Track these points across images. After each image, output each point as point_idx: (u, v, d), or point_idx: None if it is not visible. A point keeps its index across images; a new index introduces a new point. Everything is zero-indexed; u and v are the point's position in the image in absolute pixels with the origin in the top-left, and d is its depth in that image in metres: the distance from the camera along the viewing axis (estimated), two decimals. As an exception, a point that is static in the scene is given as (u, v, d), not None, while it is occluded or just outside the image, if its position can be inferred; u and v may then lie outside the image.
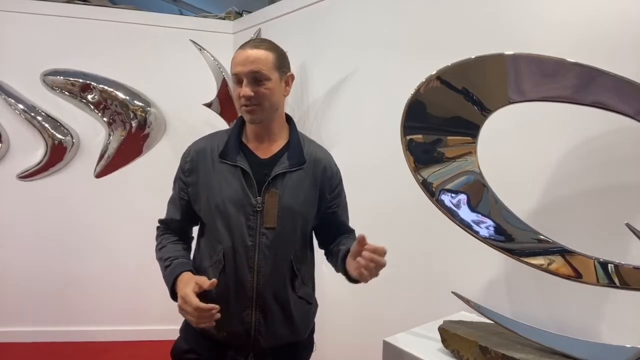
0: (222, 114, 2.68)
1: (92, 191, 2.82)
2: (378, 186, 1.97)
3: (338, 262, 1.17)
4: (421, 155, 1.17)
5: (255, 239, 1.12)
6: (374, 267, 0.98)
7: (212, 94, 2.65)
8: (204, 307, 0.98)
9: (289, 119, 1.24)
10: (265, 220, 1.12)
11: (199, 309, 0.98)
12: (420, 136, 1.17)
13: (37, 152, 2.73)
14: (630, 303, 1.19)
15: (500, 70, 1.05)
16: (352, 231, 1.32)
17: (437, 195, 1.16)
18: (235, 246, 1.12)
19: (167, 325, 2.85)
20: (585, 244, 1.09)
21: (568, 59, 0.97)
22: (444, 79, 1.10)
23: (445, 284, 1.55)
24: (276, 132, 1.19)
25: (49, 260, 2.79)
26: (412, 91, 1.13)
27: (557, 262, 1.07)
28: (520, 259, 1.10)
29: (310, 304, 1.24)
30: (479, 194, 1.15)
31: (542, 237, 1.10)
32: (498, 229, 1.13)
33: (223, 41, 2.90)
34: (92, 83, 2.73)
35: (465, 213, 1.15)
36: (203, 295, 1.13)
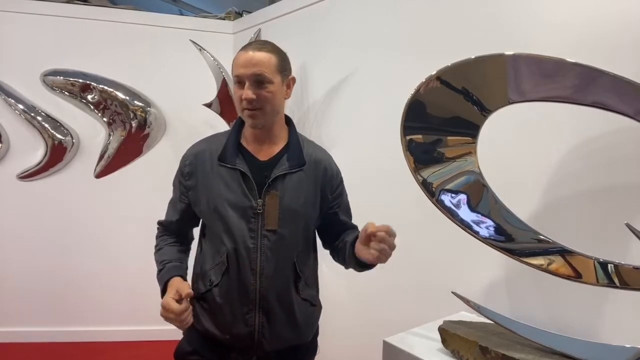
0: (222, 114, 2.69)
1: (92, 191, 2.82)
2: (378, 186, 1.97)
3: (346, 253, 1.17)
4: (421, 155, 1.17)
5: (256, 241, 1.11)
6: (388, 248, 0.99)
7: (212, 94, 2.65)
8: (182, 309, 1.03)
9: (288, 120, 1.23)
10: (267, 222, 1.12)
11: (180, 312, 1.02)
12: (420, 136, 1.16)
13: (37, 152, 2.73)
14: (630, 303, 1.19)
15: (500, 71, 1.05)
16: (355, 228, 1.31)
17: (437, 195, 1.16)
18: (237, 249, 1.11)
19: (167, 325, 2.83)
20: (585, 244, 1.09)
21: (568, 59, 0.97)
22: (443, 79, 1.10)
23: (445, 284, 1.55)
24: (276, 134, 1.18)
25: (48, 260, 2.79)
26: (412, 91, 1.13)
27: (557, 262, 1.07)
28: (520, 259, 1.10)
29: (314, 306, 1.23)
30: (478, 194, 1.15)
31: (542, 237, 1.10)
32: (498, 229, 1.13)
33: (223, 41, 2.90)
34: (92, 83, 2.73)
35: (465, 213, 1.15)
36: (206, 296, 1.13)
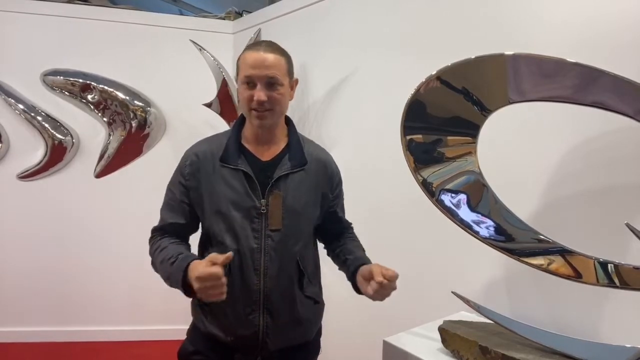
0: (222, 114, 2.69)
1: (92, 191, 2.82)
2: (378, 186, 1.97)
3: (348, 274, 1.21)
4: (421, 155, 1.17)
5: (260, 241, 1.11)
6: (387, 291, 1.04)
7: (212, 94, 2.65)
8: (222, 272, 0.93)
9: (287, 120, 1.24)
10: (270, 222, 1.11)
11: (222, 274, 0.93)
12: (420, 136, 1.17)
13: (37, 152, 2.74)
14: (630, 303, 1.19)
15: (500, 70, 1.05)
16: (349, 225, 1.36)
17: (437, 195, 1.16)
18: (240, 249, 1.10)
19: (167, 325, 2.85)
20: (585, 244, 1.09)
21: (568, 59, 0.97)
22: (444, 79, 1.10)
23: (445, 284, 1.55)
24: (277, 134, 1.19)
25: (49, 260, 2.79)
26: (412, 91, 1.13)
27: (557, 262, 1.07)
28: (520, 259, 1.10)
29: (317, 303, 1.24)
30: (479, 194, 1.15)
31: (542, 237, 1.10)
32: (498, 229, 1.13)
33: (223, 41, 2.90)
34: (92, 83, 2.73)
35: (465, 213, 1.15)
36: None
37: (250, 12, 2.90)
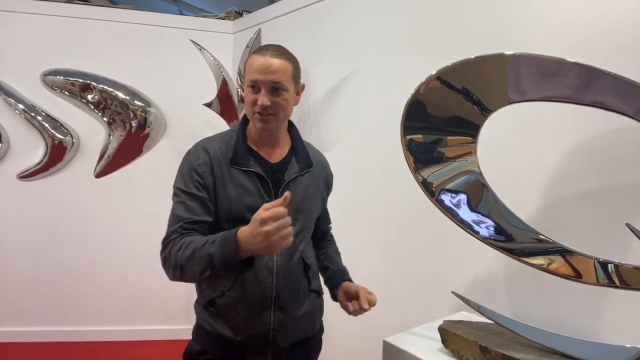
0: (222, 114, 2.69)
1: (92, 191, 2.82)
2: (378, 186, 1.97)
3: (329, 282, 1.30)
4: (421, 155, 1.17)
5: None
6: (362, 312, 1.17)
7: (212, 94, 2.65)
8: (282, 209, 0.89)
9: (289, 123, 1.25)
10: None
11: (285, 213, 0.89)
12: (420, 136, 1.17)
13: (37, 152, 2.73)
14: (630, 303, 1.19)
15: (500, 70, 1.05)
16: (330, 223, 1.43)
17: (437, 195, 1.16)
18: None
19: (167, 325, 2.86)
20: (585, 244, 1.09)
21: (568, 59, 0.97)
22: (444, 79, 1.10)
23: (445, 284, 1.55)
24: (281, 137, 1.20)
25: (48, 260, 2.79)
26: (412, 91, 1.13)
27: (557, 262, 1.07)
28: (520, 259, 1.10)
29: (320, 295, 1.27)
30: (479, 193, 1.15)
31: (542, 237, 1.10)
32: (498, 229, 1.13)
33: (223, 41, 2.90)
34: (92, 83, 2.73)
35: (465, 213, 1.15)
36: (217, 301, 1.11)
37: (250, 12, 2.90)
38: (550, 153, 1.37)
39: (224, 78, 2.58)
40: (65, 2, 2.78)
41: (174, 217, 1.09)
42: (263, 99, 1.07)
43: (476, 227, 1.14)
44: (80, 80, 2.72)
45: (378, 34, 1.99)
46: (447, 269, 1.68)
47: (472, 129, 1.13)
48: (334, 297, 1.27)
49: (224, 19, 3.04)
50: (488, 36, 1.54)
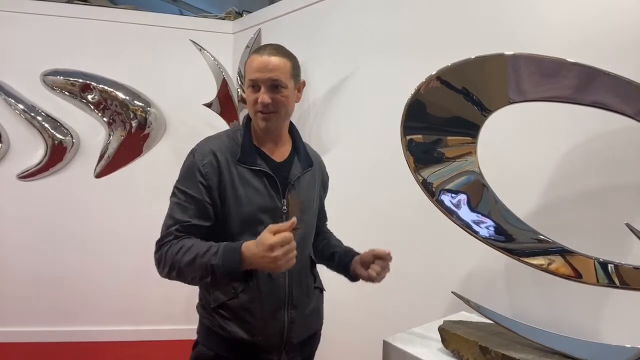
0: (222, 114, 2.69)
1: (92, 191, 2.82)
2: (378, 186, 1.97)
3: (341, 265, 1.29)
4: (421, 155, 1.17)
5: None
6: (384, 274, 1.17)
7: (212, 94, 2.65)
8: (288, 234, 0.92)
9: (289, 123, 1.25)
10: None
11: (291, 238, 0.93)
12: (420, 136, 1.17)
13: (37, 152, 2.74)
14: (630, 303, 1.19)
15: (500, 70, 1.05)
16: (326, 219, 1.45)
17: (437, 195, 1.16)
18: None
19: (167, 325, 2.85)
20: (585, 244, 1.09)
21: (568, 59, 0.97)
22: (444, 79, 1.10)
23: (445, 284, 1.55)
24: (284, 135, 1.22)
25: (48, 260, 2.79)
26: (412, 91, 1.13)
27: (557, 262, 1.07)
28: (520, 259, 1.10)
29: (322, 292, 1.31)
30: (479, 194, 1.15)
31: (542, 237, 1.10)
32: (498, 229, 1.13)
33: (223, 41, 2.90)
34: (92, 83, 2.73)
35: (465, 213, 1.15)
36: (230, 304, 1.10)
37: (250, 12, 2.90)
38: (550, 153, 1.37)
39: (224, 78, 2.58)
40: (65, 2, 2.78)
41: (170, 219, 1.08)
42: (263, 96, 1.08)
43: (476, 227, 1.13)
44: (80, 80, 2.72)
45: (378, 34, 1.99)
46: (447, 269, 1.68)
47: (472, 129, 1.13)
48: (353, 277, 1.25)
49: (224, 19, 3.04)
50: (488, 36, 1.54)
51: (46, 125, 2.70)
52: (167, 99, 2.88)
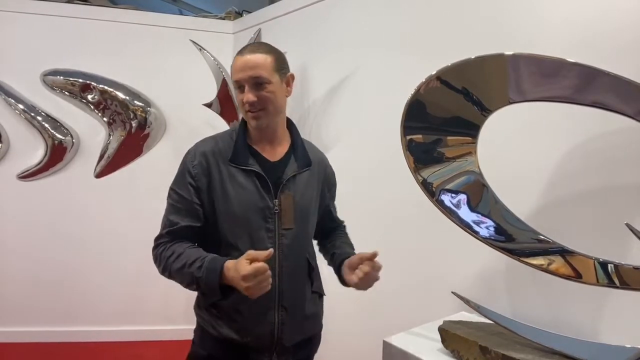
0: (222, 114, 2.69)
1: (92, 191, 2.82)
2: (378, 186, 1.97)
3: (335, 268, 1.26)
4: (421, 155, 1.17)
5: (274, 241, 1.13)
6: (371, 280, 1.11)
7: (212, 94, 2.65)
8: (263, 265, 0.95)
9: (288, 121, 1.25)
10: (283, 221, 1.13)
11: (267, 268, 0.96)
12: (420, 136, 1.17)
13: (37, 152, 2.73)
14: (630, 303, 1.19)
15: (500, 70, 1.05)
16: (341, 223, 1.42)
17: (437, 195, 1.16)
18: (256, 250, 1.08)
19: (167, 325, 2.85)
20: (585, 244, 1.09)
21: (568, 59, 0.97)
22: (443, 79, 1.10)
23: (445, 284, 1.55)
24: (280, 134, 1.20)
25: (48, 260, 2.79)
26: (412, 91, 1.13)
27: (557, 262, 1.07)
28: (520, 259, 1.10)
29: (322, 297, 1.29)
30: (479, 194, 1.15)
31: (542, 237, 1.10)
32: (498, 229, 1.13)
33: (223, 41, 2.90)
34: (92, 83, 2.73)
35: (465, 213, 1.15)
36: (220, 303, 1.10)
37: (250, 12, 2.90)
38: (550, 153, 1.37)
39: (224, 78, 2.58)
40: (65, 2, 2.78)
41: (166, 219, 1.14)
42: (247, 95, 1.08)
43: (476, 227, 1.13)
44: (80, 80, 2.72)
45: (378, 34, 1.99)
46: (447, 269, 1.68)
47: (472, 129, 1.13)
48: (343, 281, 1.21)
49: (224, 19, 3.04)
50: (488, 36, 1.54)
51: (46, 125, 2.70)
52: (167, 99, 2.88)
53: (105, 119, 2.79)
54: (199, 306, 1.19)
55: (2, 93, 2.64)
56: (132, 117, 2.80)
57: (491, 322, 1.22)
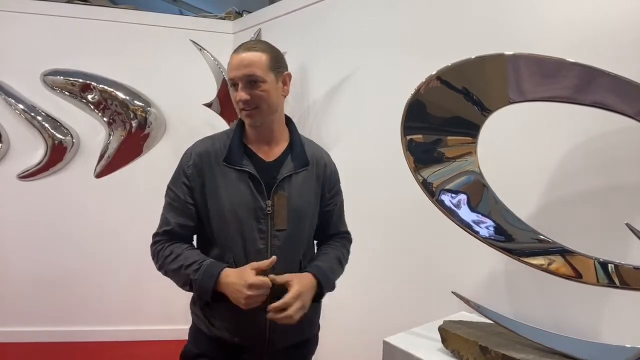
0: (222, 114, 2.68)
1: (92, 191, 2.82)
2: (378, 186, 1.97)
3: None
4: (421, 155, 1.17)
5: (266, 242, 1.12)
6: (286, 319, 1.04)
7: (212, 94, 2.65)
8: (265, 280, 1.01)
9: (288, 120, 1.24)
10: (276, 222, 1.12)
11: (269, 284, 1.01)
12: (420, 136, 1.17)
13: (37, 152, 2.73)
14: (630, 303, 1.19)
15: (501, 70, 1.05)
16: (346, 233, 1.33)
17: (437, 195, 1.16)
18: (247, 251, 1.11)
19: (167, 325, 2.85)
20: (586, 244, 1.09)
21: (568, 59, 0.97)
22: (444, 79, 1.10)
23: (445, 284, 1.55)
24: (278, 133, 1.19)
25: (48, 260, 2.79)
26: (412, 91, 1.13)
27: (557, 262, 1.07)
28: (520, 259, 1.10)
29: (318, 300, 1.23)
30: (479, 194, 1.15)
31: (542, 237, 1.10)
32: (498, 229, 1.13)
33: (223, 41, 2.90)
34: (92, 83, 2.73)
35: (465, 213, 1.15)
36: (219, 303, 1.10)
37: (250, 12, 2.90)
38: (551, 153, 1.37)
39: (224, 78, 2.58)
40: (65, 2, 2.78)
41: (163, 217, 1.17)
42: (241, 94, 1.08)
43: (476, 227, 1.14)
44: (80, 80, 2.72)
45: (378, 34, 1.99)
46: (447, 269, 1.68)
47: (472, 129, 1.13)
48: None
49: (224, 19, 3.04)
50: (488, 36, 1.54)
51: (46, 125, 2.70)
52: (167, 99, 2.88)
53: (105, 119, 2.79)
54: (194, 304, 1.20)
55: (2, 93, 2.64)
56: (132, 117, 2.79)
57: (491, 322, 1.22)
